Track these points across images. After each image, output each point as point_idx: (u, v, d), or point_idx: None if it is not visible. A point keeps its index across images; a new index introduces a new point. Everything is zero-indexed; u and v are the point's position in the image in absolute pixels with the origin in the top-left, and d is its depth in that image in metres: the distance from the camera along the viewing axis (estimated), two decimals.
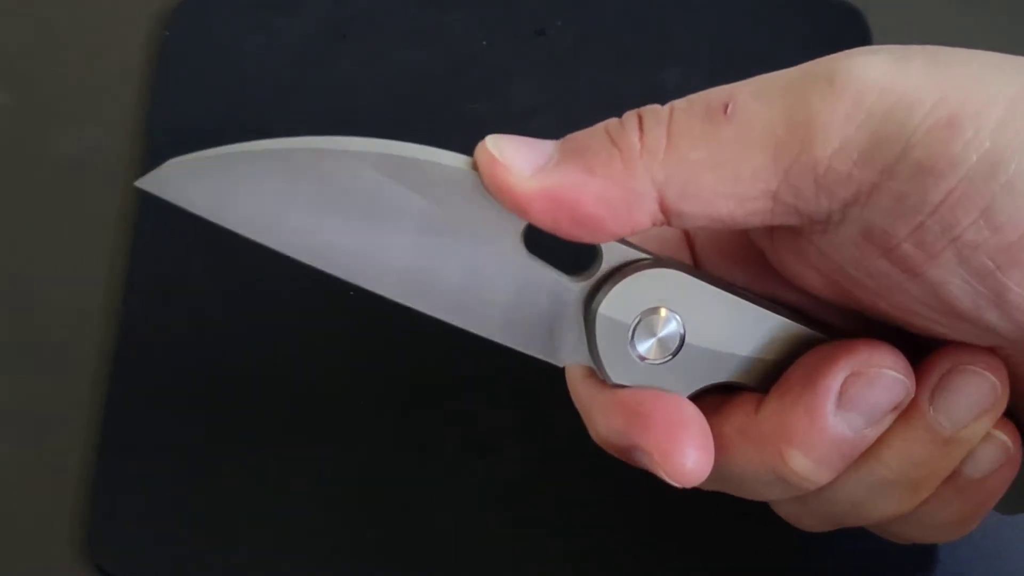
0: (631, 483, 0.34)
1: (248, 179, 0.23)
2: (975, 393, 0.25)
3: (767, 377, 0.26)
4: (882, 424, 0.25)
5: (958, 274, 0.22)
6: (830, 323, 0.26)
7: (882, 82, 0.21)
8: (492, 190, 0.23)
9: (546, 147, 0.23)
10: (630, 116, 0.23)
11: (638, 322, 0.24)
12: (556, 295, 0.25)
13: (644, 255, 0.25)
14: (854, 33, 0.40)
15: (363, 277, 0.24)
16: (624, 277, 0.24)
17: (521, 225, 0.24)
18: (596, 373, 0.26)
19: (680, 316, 0.24)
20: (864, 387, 0.24)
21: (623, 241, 0.25)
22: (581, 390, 0.26)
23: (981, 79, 0.21)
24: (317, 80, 0.40)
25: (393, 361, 0.35)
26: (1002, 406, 0.25)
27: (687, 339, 0.25)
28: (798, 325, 0.25)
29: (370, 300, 0.36)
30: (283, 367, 0.35)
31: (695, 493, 0.34)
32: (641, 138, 0.23)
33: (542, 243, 0.24)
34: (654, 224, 0.23)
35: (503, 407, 0.34)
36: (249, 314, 0.36)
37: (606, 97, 0.39)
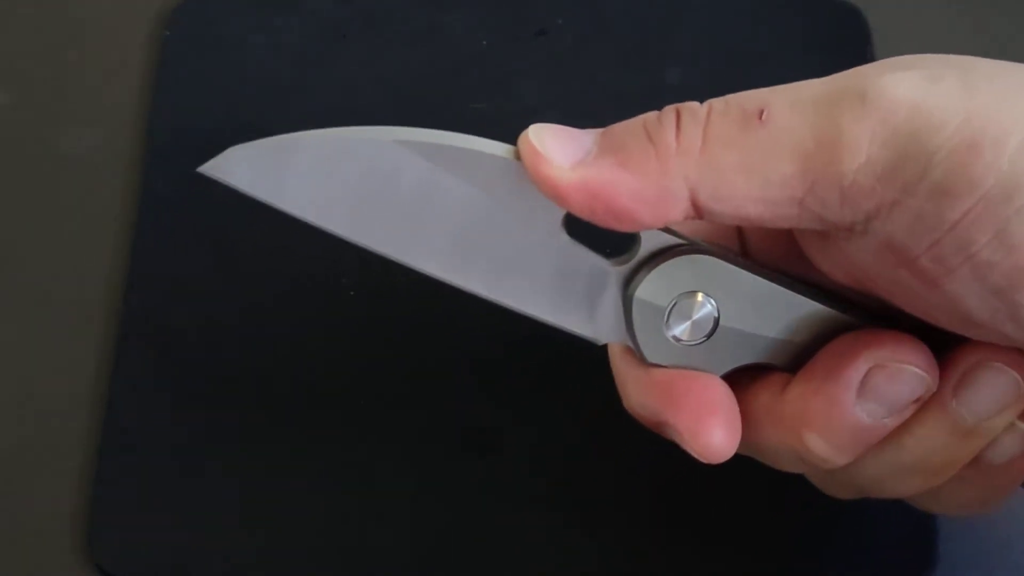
0: (631, 484, 0.34)
1: (306, 166, 0.25)
2: (999, 388, 0.25)
3: (797, 358, 0.26)
4: (903, 414, 0.25)
5: (974, 289, 0.22)
6: (863, 307, 0.27)
7: (911, 101, 0.22)
8: (534, 180, 0.24)
9: (586, 139, 0.25)
10: (668, 113, 0.24)
11: (674, 305, 0.25)
12: (595, 277, 0.26)
13: (681, 241, 0.26)
14: (854, 33, 0.40)
15: (411, 257, 0.26)
16: (661, 262, 0.25)
17: (562, 211, 0.25)
18: (633, 352, 0.27)
19: (714, 300, 0.26)
20: (886, 380, 0.25)
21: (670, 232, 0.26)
22: (620, 365, 0.27)
23: (1007, 100, 0.22)
24: (317, 80, 0.40)
25: (393, 361, 0.35)
26: None
27: (721, 322, 0.26)
28: (829, 310, 0.26)
29: (370, 300, 0.36)
30: (283, 366, 0.35)
31: (695, 495, 0.34)
32: (678, 137, 0.24)
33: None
34: (687, 219, 0.24)
35: (503, 407, 0.34)
36: (249, 313, 0.36)
37: (607, 97, 0.39)
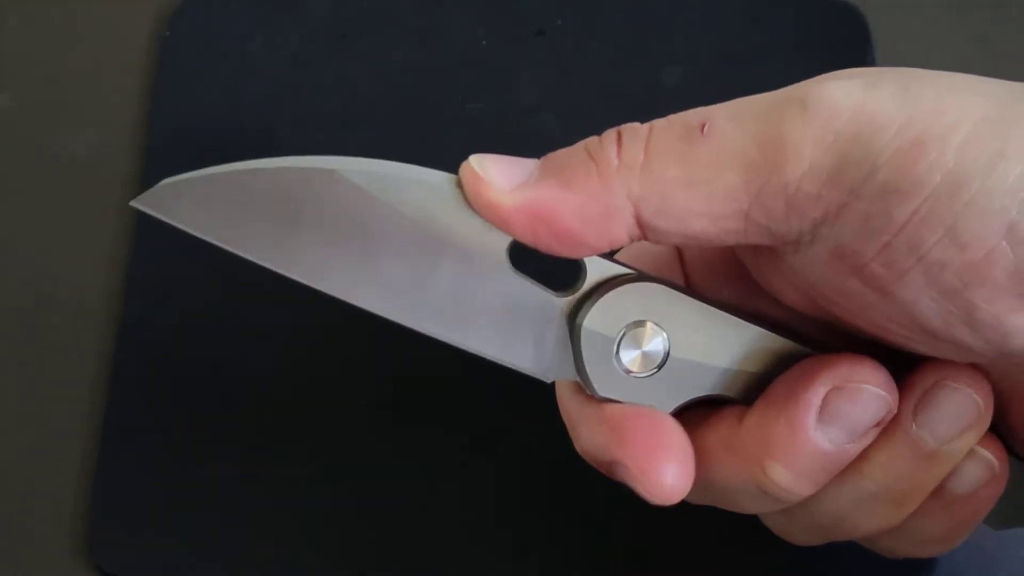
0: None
1: (237, 199, 0.24)
2: (958, 409, 0.25)
3: (752, 390, 0.26)
4: (864, 439, 0.25)
5: (927, 293, 0.22)
6: (815, 337, 0.26)
7: (853, 106, 0.22)
8: (475, 205, 0.24)
9: (527, 165, 0.24)
10: (609, 133, 0.24)
11: (623, 335, 0.25)
12: (541, 310, 0.25)
13: (628, 270, 0.25)
14: (854, 33, 0.40)
15: (350, 294, 0.25)
16: (608, 291, 0.25)
17: (506, 242, 0.24)
18: (583, 388, 0.26)
19: (665, 330, 0.25)
20: (845, 402, 0.24)
21: (607, 257, 0.25)
22: (568, 404, 0.27)
23: (948, 101, 0.22)
24: (317, 80, 0.40)
25: (392, 361, 0.35)
26: (986, 422, 0.25)
27: (672, 353, 0.25)
28: (782, 339, 0.26)
29: None
30: (283, 367, 0.35)
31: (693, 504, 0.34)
32: (619, 154, 0.23)
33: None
34: (632, 239, 0.24)
35: (503, 407, 0.34)
36: (249, 315, 0.36)
37: (606, 96, 0.39)
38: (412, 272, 0.24)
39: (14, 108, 0.40)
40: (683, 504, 0.33)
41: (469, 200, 0.24)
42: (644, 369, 0.25)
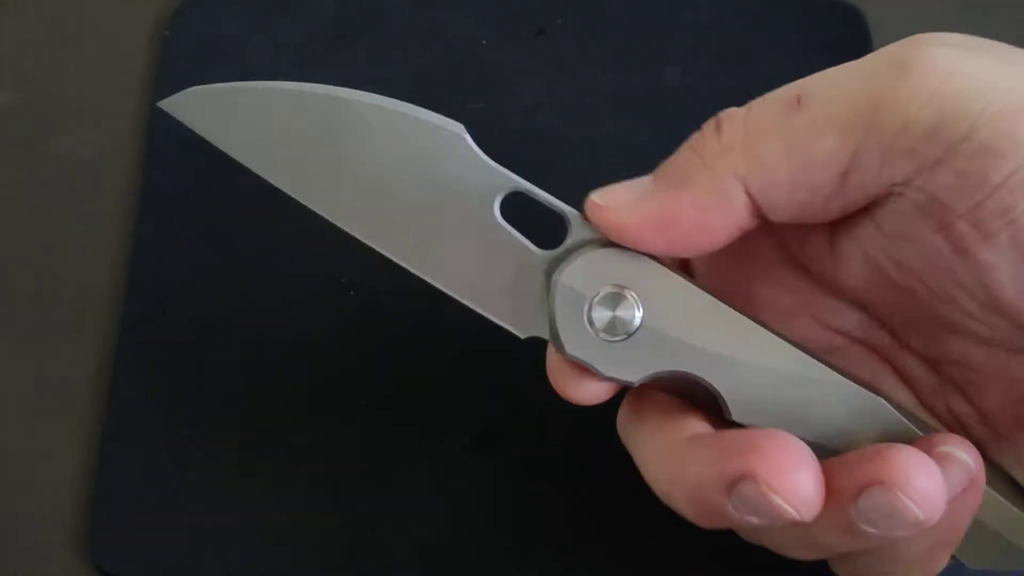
0: (631, 484, 0.34)
1: (256, 113, 0.27)
2: (953, 479, 0.24)
3: (725, 373, 0.25)
4: None
5: (1008, 258, 0.22)
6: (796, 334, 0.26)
7: (951, 67, 0.22)
8: (608, 235, 0.25)
9: (643, 182, 0.25)
10: (708, 123, 0.25)
11: (597, 296, 0.25)
12: (522, 261, 0.26)
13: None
14: (854, 33, 0.40)
15: (339, 214, 0.26)
16: (589, 251, 0.25)
17: (500, 193, 0.25)
18: (552, 344, 0.26)
19: (640, 298, 0.25)
20: (880, 507, 0.23)
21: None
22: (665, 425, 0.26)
23: None
24: (317, 80, 0.39)
25: (392, 360, 0.35)
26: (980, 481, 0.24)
27: (644, 322, 0.25)
28: (772, 333, 0.25)
29: (371, 300, 0.36)
30: (283, 367, 0.35)
31: None
32: (719, 139, 0.24)
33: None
34: (755, 218, 0.24)
35: (503, 407, 0.34)
36: (249, 313, 0.36)
37: (607, 97, 0.39)
38: (401, 203, 0.26)
39: (14, 107, 0.40)
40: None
41: (602, 231, 0.25)
42: (614, 333, 0.25)
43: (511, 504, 0.33)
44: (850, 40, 0.40)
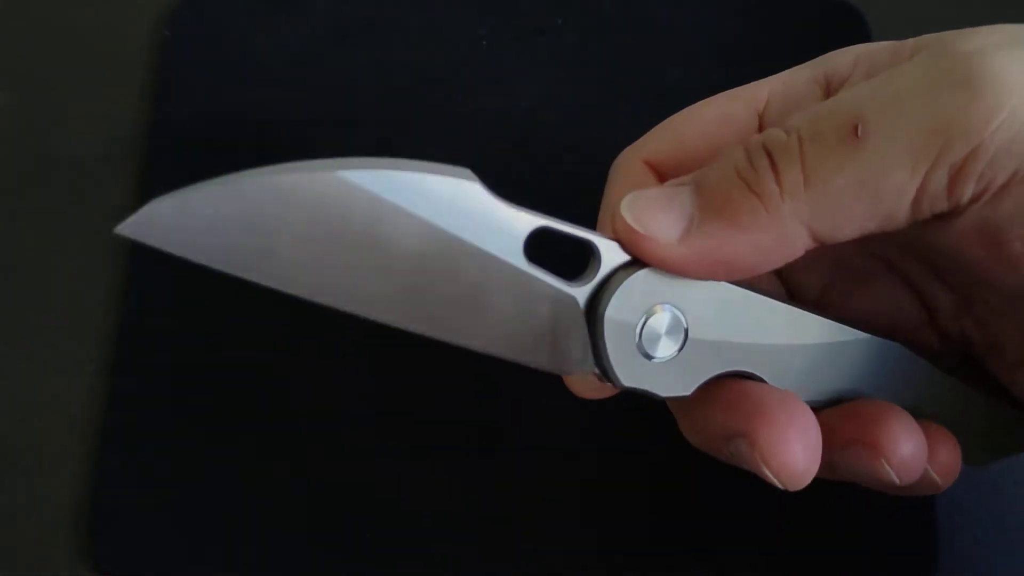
0: (632, 481, 0.34)
1: (239, 212, 0.23)
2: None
3: (774, 364, 0.26)
4: None
5: None
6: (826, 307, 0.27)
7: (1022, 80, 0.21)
8: (641, 258, 0.24)
9: (683, 204, 0.23)
10: (759, 155, 0.23)
11: (644, 323, 0.24)
12: (557, 302, 0.24)
13: None
14: (854, 33, 0.40)
15: (361, 304, 0.24)
16: (626, 278, 0.24)
17: (523, 235, 0.23)
18: (599, 379, 0.25)
19: (683, 311, 0.25)
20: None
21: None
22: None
23: None
24: (317, 80, 0.40)
25: (392, 361, 0.35)
26: None
27: (691, 333, 0.25)
28: (801, 310, 0.26)
29: None
30: (283, 368, 0.35)
31: (694, 494, 0.34)
32: (778, 180, 0.23)
33: (542, 250, 0.24)
34: (809, 250, 0.23)
35: (503, 407, 0.34)
36: (249, 315, 0.36)
37: (607, 97, 0.39)
38: (422, 274, 0.23)
39: (14, 108, 0.40)
40: (686, 509, 0.33)
41: (631, 253, 0.24)
42: (667, 353, 0.25)
43: (511, 504, 0.33)
44: (850, 40, 0.40)
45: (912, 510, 0.33)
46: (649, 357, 0.25)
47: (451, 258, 0.23)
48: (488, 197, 0.23)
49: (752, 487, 0.34)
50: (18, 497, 0.34)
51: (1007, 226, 0.22)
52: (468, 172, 0.23)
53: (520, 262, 0.24)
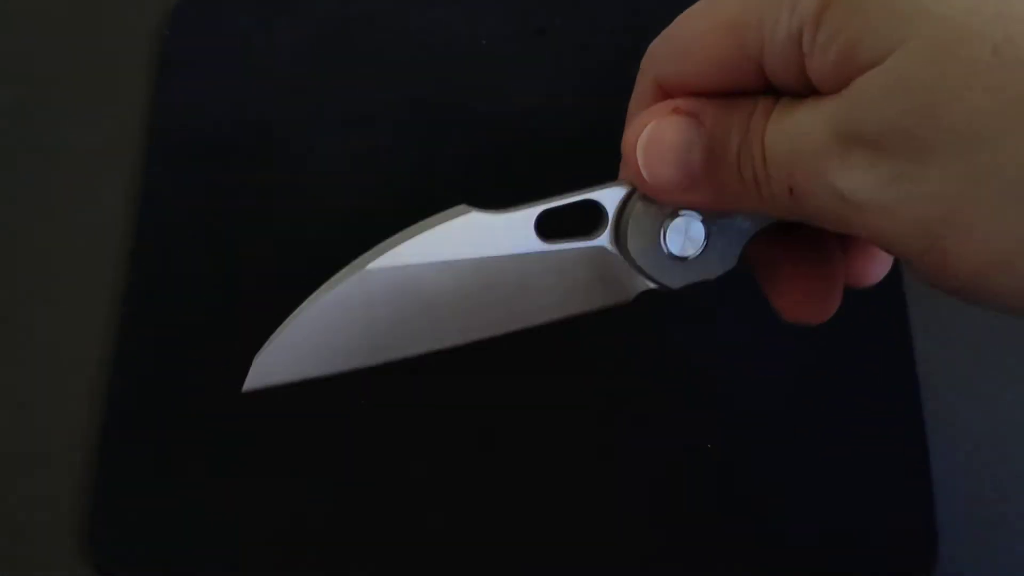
0: (631, 481, 0.34)
1: (323, 336, 0.28)
2: None
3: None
4: None
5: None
6: None
7: None
8: (653, 197, 0.27)
9: (691, 163, 0.26)
10: (747, 166, 0.25)
11: (664, 234, 0.27)
12: (589, 258, 0.27)
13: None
14: None
15: (438, 342, 0.28)
16: (633, 208, 0.27)
17: (529, 225, 0.27)
18: (660, 291, 0.28)
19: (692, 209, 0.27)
20: None
21: (614, 184, 0.27)
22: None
23: None
24: (317, 79, 0.40)
25: (392, 361, 0.35)
26: None
27: (708, 223, 0.27)
28: None
29: None
30: None
31: (693, 493, 0.34)
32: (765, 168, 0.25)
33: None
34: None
35: (502, 406, 0.34)
36: (249, 315, 0.36)
37: (607, 97, 0.39)
38: (473, 300, 0.27)
39: (16, 106, 0.40)
40: (683, 504, 0.33)
41: (641, 190, 0.26)
42: (696, 248, 0.27)
43: (511, 503, 0.33)
44: None
45: (912, 510, 0.33)
46: (684, 258, 0.27)
47: (487, 274, 0.27)
48: (487, 217, 0.27)
49: (751, 486, 0.34)
50: (18, 497, 0.34)
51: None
52: (463, 207, 0.27)
53: (540, 247, 0.27)
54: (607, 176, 0.28)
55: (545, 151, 0.38)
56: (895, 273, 0.36)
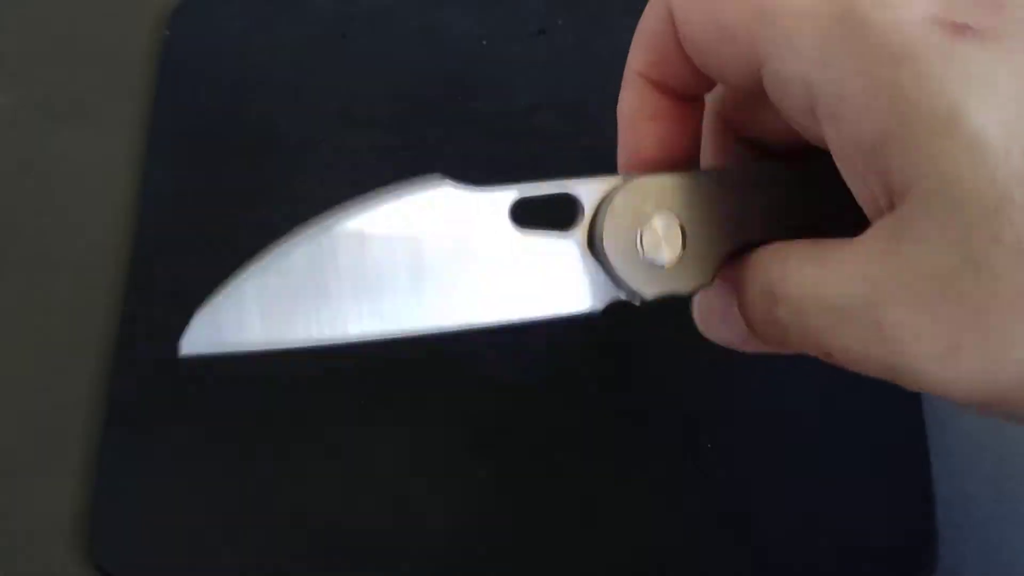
0: (630, 480, 0.34)
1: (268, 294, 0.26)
2: None
3: (770, 220, 0.26)
4: None
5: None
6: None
7: None
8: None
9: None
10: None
11: (640, 237, 0.26)
12: (561, 256, 0.26)
13: (614, 178, 0.26)
14: None
15: (391, 327, 0.26)
16: (609, 205, 0.26)
17: (504, 210, 0.25)
18: (631, 302, 0.26)
19: (673, 212, 0.26)
20: None
21: (592, 176, 0.26)
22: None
23: None
24: (317, 80, 0.40)
25: (393, 360, 0.35)
26: None
27: (688, 229, 0.26)
28: (772, 164, 0.27)
29: None
30: (283, 367, 0.35)
31: (692, 493, 0.34)
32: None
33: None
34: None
35: (502, 407, 0.34)
36: None
37: (606, 96, 0.39)
38: (434, 281, 0.25)
39: (15, 107, 0.40)
40: (682, 504, 0.33)
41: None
42: (673, 256, 0.26)
43: (510, 504, 0.33)
44: None
45: (912, 510, 0.33)
46: (660, 265, 0.26)
47: (456, 252, 0.25)
48: (461, 192, 0.25)
49: (751, 486, 0.34)
50: (18, 497, 0.34)
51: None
52: (437, 177, 0.25)
53: (511, 232, 0.26)
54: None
55: (545, 151, 0.38)
56: None
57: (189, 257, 0.37)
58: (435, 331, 0.26)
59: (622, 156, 0.28)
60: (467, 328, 0.26)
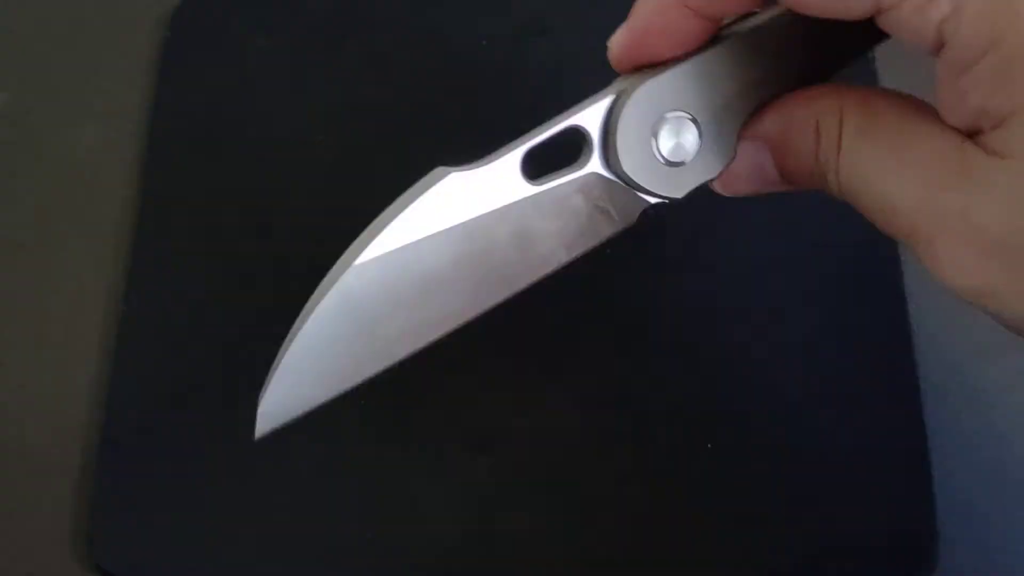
0: (629, 480, 0.34)
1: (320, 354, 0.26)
2: None
3: (777, 76, 0.26)
4: None
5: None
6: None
7: None
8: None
9: None
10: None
11: (656, 143, 0.26)
12: (584, 187, 0.26)
13: (611, 95, 0.27)
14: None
15: (450, 322, 0.26)
16: (617, 125, 0.26)
17: (515, 169, 0.25)
18: (669, 203, 0.26)
19: (680, 109, 0.26)
20: None
21: (594, 99, 0.27)
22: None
23: None
24: (317, 80, 0.40)
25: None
26: None
27: (699, 118, 0.26)
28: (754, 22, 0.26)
29: None
30: None
31: (692, 493, 0.34)
32: None
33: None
34: None
35: (502, 407, 0.34)
36: (249, 314, 0.36)
37: None
38: (475, 268, 0.25)
39: (16, 107, 0.40)
40: (685, 507, 0.33)
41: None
42: (694, 149, 0.26)
43: (511, 504, 0.33)
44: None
45: (912, 509, 0.33)
46: (681, 163, 0.26)
47: (482, 234, 0.25)
48: (468, 174, 0.25)
49: (751, 486, 0.34)
50: (18, 497, 0.34)
51: None
52: (440, 170, 0.25)
53: (529, 190, 0.26)
54: None
55: (545, 151, 0.38)
56: (895, 273, 0.36)
57: (189, 257, 0.37)
58: (491, 306, 0.26)
59: (623, 37, 0.28)
60: (522, 289, 0.26)
